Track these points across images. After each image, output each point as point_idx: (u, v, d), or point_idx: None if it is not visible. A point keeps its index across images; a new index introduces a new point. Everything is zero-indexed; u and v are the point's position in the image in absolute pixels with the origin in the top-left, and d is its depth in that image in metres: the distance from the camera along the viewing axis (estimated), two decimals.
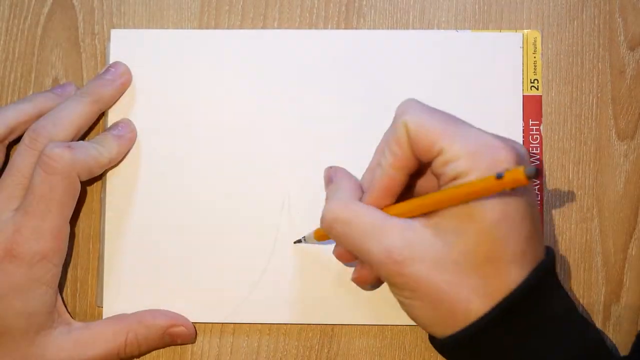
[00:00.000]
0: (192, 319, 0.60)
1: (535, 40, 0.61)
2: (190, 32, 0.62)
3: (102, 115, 0.61)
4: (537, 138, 0.61)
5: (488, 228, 0.49)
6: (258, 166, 0.60)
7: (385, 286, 0.58)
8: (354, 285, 0.59)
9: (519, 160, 0.49)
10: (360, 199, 0.53)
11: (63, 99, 0.59)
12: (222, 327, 0.60)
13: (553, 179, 0.61)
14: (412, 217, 0.51)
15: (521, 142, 0.60)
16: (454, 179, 0.49)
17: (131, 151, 0.60)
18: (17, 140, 0.59)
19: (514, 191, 0.49)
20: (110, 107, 0.60)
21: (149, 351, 0.59)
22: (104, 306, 0.60)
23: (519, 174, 0.46)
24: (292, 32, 0.62)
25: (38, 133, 0.56)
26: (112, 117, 0.61)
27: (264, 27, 0.63)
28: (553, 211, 0.61)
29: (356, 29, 0.63)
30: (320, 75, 0.61)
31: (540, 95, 0.61)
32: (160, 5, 0.63)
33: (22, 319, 0.54)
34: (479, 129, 0.51)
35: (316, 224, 0.57)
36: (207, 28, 0.63)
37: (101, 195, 0.61)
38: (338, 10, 0.63)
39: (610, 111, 0.61)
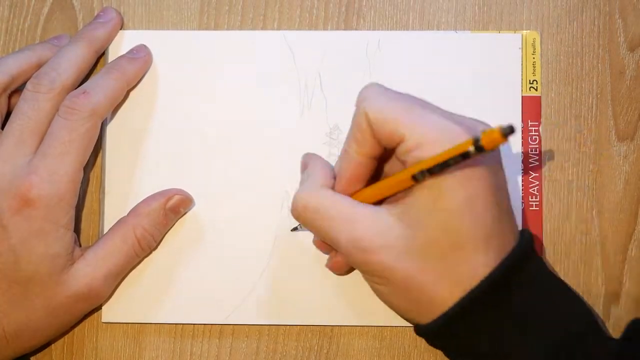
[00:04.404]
0: (192, 320, 0.60)
1: (534, 41, 0.61)
2: (190, 32, 0.62)
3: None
4: (536, 139, 0.61)
5: (450, 216, 0.49)
6: (256, 166, 0.60)
7: None
8: (353, 285, 0.59)
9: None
10: (333, 187, 0.54)
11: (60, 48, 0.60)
12: (221, 329, 0.60)
13: (553, 180, 0.61)
14: (381, 200, 0.53)
15: (520, 143, 0.60)
16: None
17: (129, 151, 0.61)
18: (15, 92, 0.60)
19: (476, 174, 0.49)
20: (105, 48, 0.61)
21: (162, 235, 0.60)
22: (102, 306, 0.60)
23: (495, 133, 0.46)
24: (292, 32, 0.62)
25: (40, 78, 0.57)
26: (112, 114, 0.61)
27: (264, 28, 0.63)
28: (553, 212, 0.61)
29: (356, 29, 0.63)
30: (319, 75, 0.61)
31: (539, 96, 0.61)
32: (160, 6, 0.63)
33: (46, 262, 0.55)
34: (440, 112, 0.51)
35: None
36: (206, 28, 0.63)
37: (100, 196, 0.61)
38: (338, 10, 0.63)
39: (610, 112, 0.61)
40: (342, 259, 0.56)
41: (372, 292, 0.59)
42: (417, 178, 0.50)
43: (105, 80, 0.58)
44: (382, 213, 0.51)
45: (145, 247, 0.58)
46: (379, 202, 0.53)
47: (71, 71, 0.58)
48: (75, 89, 0.57)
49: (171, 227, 0.60)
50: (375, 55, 0.61)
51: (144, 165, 0.61)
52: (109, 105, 0.58)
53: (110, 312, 0.60)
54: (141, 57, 0.61)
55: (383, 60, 0.61)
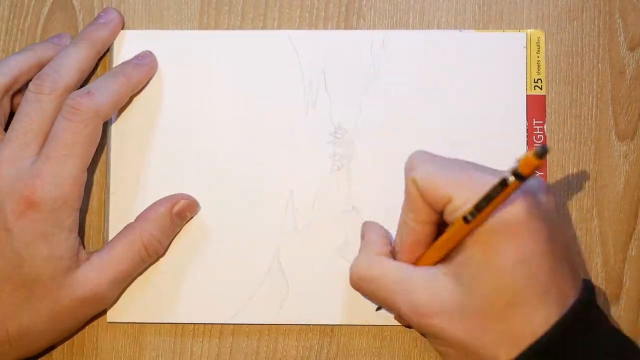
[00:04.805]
0: (198, 320, 0.60)
1: (539, 40, 0.61)
2: (191, 32, 0.62)
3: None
4: (541, 137, 0.61)
5: (503, 273, 0.49)
6: (260, 167, 0.60)
7: None
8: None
9: (524, 191, 0.49)
10: (391, 252, 0.55)
11: (61, 48, 0.60)
12: (221, 328, 0.60)
13: (553, 180, 0.61)
14: (439, 260, 0.52)
15: (525, 142, 0.60)
16: None
17: (133, 152, 0.60)
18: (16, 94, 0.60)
19: (526, 229, 0.49)
20: (106, 49, 0.61)
21: (170, 240, 0.59)
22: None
23: (529, 159, 0.47)
24: (297, 32, 0.62)
25: (43, 80, 0.57)
26: (117, 114, 0.61)
27: (264, 27, 0.63)
28: None
29: (356, 29, 0.63)
30: (320, 75, 0.61)
31: (544, 95, 0.61)
32: (160, 6, 0.63)
33: (50, 265, 0.55)
34: (483, 169, 0.51)
35: (319, 226, 0.57)
36: (207, 28, 0.63)
37: (105, 197, 0.61)
38: (338, 10, 0.63)
39: (610, 112, 0.61)
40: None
41: None
42: (467, 219, 0.49)
43: (110, 83, 0.58)
44: (437, 274, 0.52)
45: (152, 253, 0.58)
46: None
47: (73, 72, 0.58)
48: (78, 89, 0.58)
49: (178, 233, 0.60)
50: (380, 54, 0.61)
51: (149, 166, 0.60)
52: (112, 109, 0.58)
53: (116, 312, 0.60)
54: (147, 64, 0.61)
55: (387, 59, 0.61)
